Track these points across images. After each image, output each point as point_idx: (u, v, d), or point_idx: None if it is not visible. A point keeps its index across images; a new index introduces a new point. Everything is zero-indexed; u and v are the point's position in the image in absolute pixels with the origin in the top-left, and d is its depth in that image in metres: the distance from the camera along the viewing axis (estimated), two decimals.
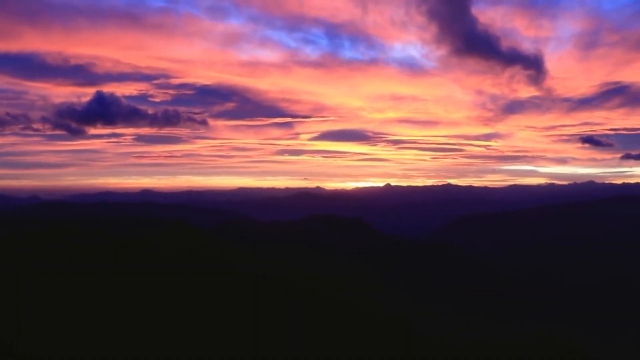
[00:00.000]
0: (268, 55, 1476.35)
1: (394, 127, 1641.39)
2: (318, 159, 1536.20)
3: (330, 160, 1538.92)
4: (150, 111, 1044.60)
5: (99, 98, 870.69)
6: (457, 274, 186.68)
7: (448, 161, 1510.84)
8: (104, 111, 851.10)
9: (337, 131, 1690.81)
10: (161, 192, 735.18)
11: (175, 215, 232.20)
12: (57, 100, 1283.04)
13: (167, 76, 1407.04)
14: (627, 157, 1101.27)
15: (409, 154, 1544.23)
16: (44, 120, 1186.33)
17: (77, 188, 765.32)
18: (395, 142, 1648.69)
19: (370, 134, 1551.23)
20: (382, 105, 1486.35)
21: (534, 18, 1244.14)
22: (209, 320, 71.15)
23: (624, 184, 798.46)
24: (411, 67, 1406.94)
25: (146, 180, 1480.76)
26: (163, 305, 73.26)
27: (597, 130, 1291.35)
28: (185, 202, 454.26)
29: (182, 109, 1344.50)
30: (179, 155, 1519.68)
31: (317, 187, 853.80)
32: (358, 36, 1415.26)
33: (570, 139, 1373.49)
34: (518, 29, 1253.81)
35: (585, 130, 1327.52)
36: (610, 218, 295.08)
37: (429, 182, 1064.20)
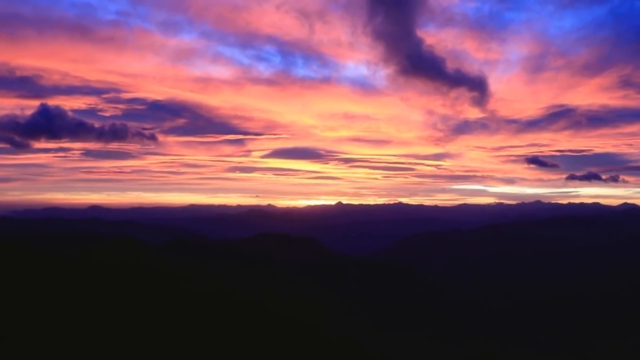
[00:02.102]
0: (220, 71, 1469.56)
1: (346, 145, 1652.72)
2: (270, 176, 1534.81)
3: (282, 178, 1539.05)
4: (100, 126, 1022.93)
5: (44, 111, 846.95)
6: (406, 292, 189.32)
7: (399, 180, 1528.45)
8: (49, 124, 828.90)
9: (289, 149, 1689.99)
10: (110, 208, 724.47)
11: (124, 232, 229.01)
12: (0, 112, 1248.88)
13: (117, 90, 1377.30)
14: (572, 177, 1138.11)
15: (361, 173, 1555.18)
16: None
17: (22, 203, 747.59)
18: (347, 161, 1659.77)
19: (322, 152, 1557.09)
20: (335, 124, 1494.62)
21: (483, 41, 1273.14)
22: (156, 338, 70.67)
23: (569, 204, 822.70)
24: (363, 87, 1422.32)
25: (94, 196, 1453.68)
26: (108, 324, 72.41)
27: (544, 151, 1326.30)
28: (134, 218, 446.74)
29: (132, 124, 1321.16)
30: (128, 171, 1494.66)
31: (269, 205, 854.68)
32: (311, 54, 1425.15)
33: (518, 159, 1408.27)
34: (468, 51, 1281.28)
35: (533, 151, 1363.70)
36: (557, 238, 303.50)
37: (380, 201, 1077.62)
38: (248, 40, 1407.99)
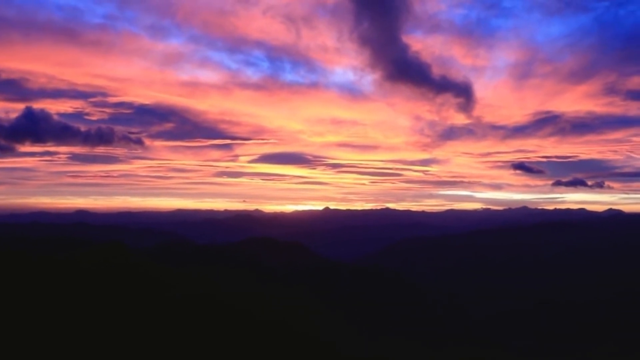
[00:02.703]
0: (208, 76, 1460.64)
1: (334, 150, 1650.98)
2: (257, 181, 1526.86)
3: (269, 183, 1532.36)
4: (86, 129, 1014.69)
5: (28, 114, 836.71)
6: (393, 297, 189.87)
7: (387, 185, 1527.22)
8: (34, 128, 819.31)
9: (277, 154, 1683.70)
10: (97, 213, 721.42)
11: (110, 237, 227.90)
12: None
13: (104, 94, 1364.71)
14: (558, 183, 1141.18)
15: (348, 178, 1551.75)
16: None
17: (7, 208, 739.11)
18: (335, 166, 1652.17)
19: (309, 157, 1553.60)
20: (322, 129, 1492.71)
21: (471, 47, 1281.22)
22: (144, 344, 70.58)
23: (555, 210, 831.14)
24: (351, 92, 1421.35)
25: (81, 201, 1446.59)
26: (95, 329, 72.23)
27: (531, 157, 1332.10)
28: (121, 223, 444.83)
29: (119, 128, 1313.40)
30: (115, 175, 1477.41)
31: (256, 210, 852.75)
32: (299, 60, 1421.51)
33: (505, 165, 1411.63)
34: (456, 57, 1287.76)
35: (519, 157, 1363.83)
36: (543, 243, 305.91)
37: (367, 206, 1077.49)
38: (236, 45, 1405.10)
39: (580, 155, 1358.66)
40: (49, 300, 77.72)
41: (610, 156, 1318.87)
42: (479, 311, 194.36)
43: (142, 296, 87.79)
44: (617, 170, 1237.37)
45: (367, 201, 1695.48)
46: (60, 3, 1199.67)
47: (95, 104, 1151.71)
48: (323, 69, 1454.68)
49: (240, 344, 77.62)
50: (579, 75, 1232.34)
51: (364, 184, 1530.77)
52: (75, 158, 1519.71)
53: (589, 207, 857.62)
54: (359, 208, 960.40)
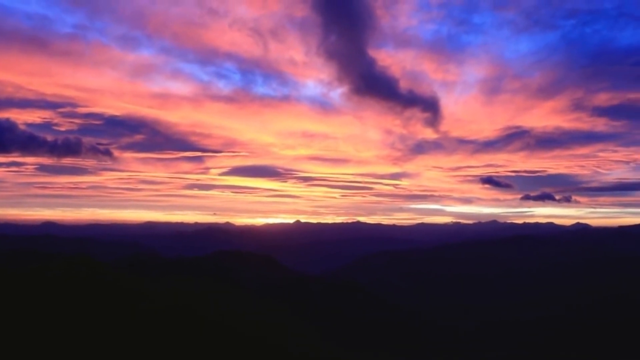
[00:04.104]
0: (179, 87, 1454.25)
1: (305, 164, 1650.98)
2: (228, 194, 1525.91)
3: (240, 196, 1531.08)
4: (54, 140, 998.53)
5: None
6: (364, 311, 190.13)
7: (357, 199, 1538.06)
8: (0, 138, 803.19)
9: (248, 167, 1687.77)
10: (65, 224, 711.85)
11: (79, 249, 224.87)
12: None
13: (73, 105, 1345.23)
14: (527, 198, 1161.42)
15: (319, 191, 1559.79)
16: None
17: None
18: (306, 179, 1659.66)
19: (280, 170, 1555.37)
20: (293, 142, 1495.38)
21: (441, 62, 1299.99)
22: (113, 357, 69.72)
23: (524, 223, 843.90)
24: (322, 106, 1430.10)
25: (49, 212, 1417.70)
26: (61, 345, 71.15)
27: (500, 172, 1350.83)
28: (89, 235, 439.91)
29: (88, 139, 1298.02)
30: (84, 186, 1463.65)
31: (227, 223, 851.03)
32: (270, 72, 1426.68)
33: (475, 179, 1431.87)
34: (427, 72, 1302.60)
35: (489, 171, 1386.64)
36: (512, 257, 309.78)
37: (338, 220, 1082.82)
38: (208, 57, 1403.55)
39: (549, 170, 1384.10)
40: (14, 315, 76.42)
41: (577, 171, 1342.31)
42: (448, 325, 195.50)
43: (111, 310, 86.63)
44: (584, 185, 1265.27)
45: (338, 214, 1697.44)
46: (29, 12, 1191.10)
47: (65, 115, 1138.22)
48: (294, 82, 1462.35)
49: (211, 357, 77.07)
50: (547, 91, 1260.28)
51: (334, 198, 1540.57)
52: (43, 169, 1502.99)
53: (557, 221, 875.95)
54: (330, 221, 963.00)
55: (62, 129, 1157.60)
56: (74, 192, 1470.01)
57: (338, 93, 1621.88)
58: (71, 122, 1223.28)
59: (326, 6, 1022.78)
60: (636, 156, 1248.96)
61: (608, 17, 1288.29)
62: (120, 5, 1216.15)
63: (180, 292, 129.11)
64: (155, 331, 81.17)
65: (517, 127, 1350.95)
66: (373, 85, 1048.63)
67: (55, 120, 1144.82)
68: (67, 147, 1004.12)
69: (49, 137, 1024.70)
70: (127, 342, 75.23)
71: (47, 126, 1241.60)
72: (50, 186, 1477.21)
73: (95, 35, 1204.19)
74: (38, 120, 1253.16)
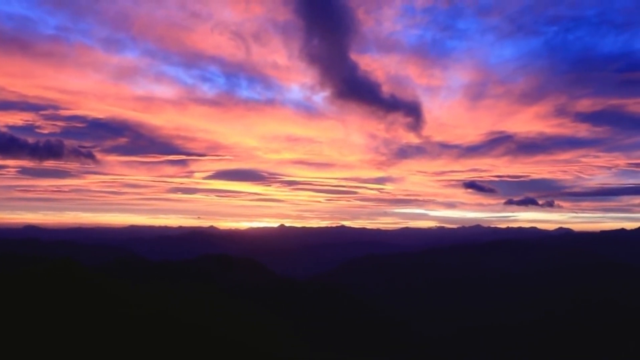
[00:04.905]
0: (164, 91, 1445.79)
1: (289, 168, 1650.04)
2: (212, 198, 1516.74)
3: (224, 200, 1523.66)
4: (36, 142, 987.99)
5: None
6: (347, 315, 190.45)
7: (342, 203, 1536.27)
8: None
9: (232, 170, 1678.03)
10: (47, 228, 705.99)
11: (61, 253, 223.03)
12: None
13: (56, 107, 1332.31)
14: (510, 202, 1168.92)
15: (304, 195, 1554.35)
16: None
17: None
18: (290, 183, 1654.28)
19: (265, 174, 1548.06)
20: (278, 146, 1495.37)
21: (426, 67, 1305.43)
22: None
23: (508, 228, 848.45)
24: (307, 109, 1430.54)
25: (31, 216, 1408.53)
26: (43, 348, 70.85)
27: (484, 176, 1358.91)
28: (72, 239, 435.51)
29: (71, 142, 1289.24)
30: (66, 190, 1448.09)
31: (211, 227, 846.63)
32: (255, 76, 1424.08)
33: (459, 184, 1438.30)
34: (411, 77, 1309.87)
35: (473, 176, 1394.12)
36: (496, 261, 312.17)
37: (323, 224, 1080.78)
38: (192, 60, 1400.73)
39: (532, 174, 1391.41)
40: None
41: (560, 176, 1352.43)
42: (432, 330, 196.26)
43: (95, 314, 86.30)
44: (567, 190, 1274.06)
45: (323, 219, 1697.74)
46: (11, 13, 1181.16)
47: (47, 117, 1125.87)
48: (279, 86, 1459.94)
49: None
50: (530, 97, 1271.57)
51: (319, 202, 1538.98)
52: (24, 172, 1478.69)
53: (540, 226, 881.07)
54: (314, 225, 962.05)
55: (45, 131, 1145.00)
56: (56, 196, 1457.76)
57: (322, 97, 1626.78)
58: (54, 124, 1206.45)
59: (309, 10, 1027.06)
60: (618, 162, 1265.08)
61: (590, 24, 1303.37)
62: (104, 7, 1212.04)
63: (164, 296, 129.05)
64: (139, 336, 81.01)
65: (501, 132, 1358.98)
66: (356, 90, 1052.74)
67: (38, 123, 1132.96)
68: (49, 149, 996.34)
69: (31, 140, 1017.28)
70: (112, 347, 75.05)
71: (29, 128, 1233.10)
72: (32, 189, 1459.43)
73: (78, 37, 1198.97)
74: (20, 123, 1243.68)
